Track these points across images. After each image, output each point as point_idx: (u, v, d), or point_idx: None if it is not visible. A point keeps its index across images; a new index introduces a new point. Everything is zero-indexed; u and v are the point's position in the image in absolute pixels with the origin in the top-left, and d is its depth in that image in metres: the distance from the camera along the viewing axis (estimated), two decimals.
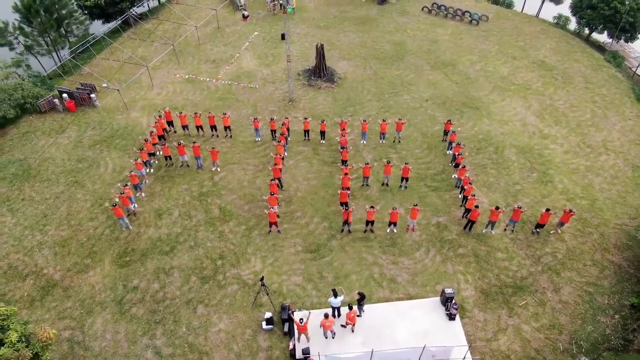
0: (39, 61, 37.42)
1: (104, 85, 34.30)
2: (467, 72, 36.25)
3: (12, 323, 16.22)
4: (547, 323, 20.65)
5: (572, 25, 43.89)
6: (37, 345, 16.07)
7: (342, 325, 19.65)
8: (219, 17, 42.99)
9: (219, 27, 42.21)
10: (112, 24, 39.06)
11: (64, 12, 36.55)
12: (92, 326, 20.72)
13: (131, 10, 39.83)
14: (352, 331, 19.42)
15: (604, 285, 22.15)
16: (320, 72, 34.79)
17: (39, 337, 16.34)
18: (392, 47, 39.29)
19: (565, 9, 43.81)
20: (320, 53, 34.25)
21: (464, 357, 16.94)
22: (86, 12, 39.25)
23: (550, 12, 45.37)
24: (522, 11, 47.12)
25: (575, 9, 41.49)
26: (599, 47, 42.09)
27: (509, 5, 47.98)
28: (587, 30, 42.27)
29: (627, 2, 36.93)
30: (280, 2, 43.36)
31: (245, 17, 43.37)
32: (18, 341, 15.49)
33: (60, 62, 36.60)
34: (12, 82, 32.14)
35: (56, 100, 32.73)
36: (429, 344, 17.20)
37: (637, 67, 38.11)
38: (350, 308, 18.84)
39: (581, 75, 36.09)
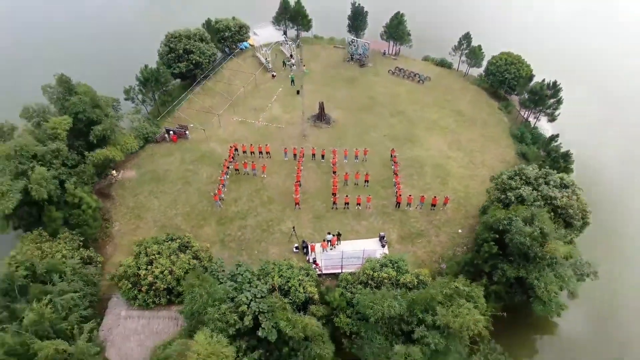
0: (146, 110, 60.41)
1: (191, 125, 57.38)
2: (411, 117, 59.32)
3: (192, 242, 39.13)
4: (430, 250, 43.49)
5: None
6: (204, 253, 38.90)
7: (331, 248, 42.49)
8: (241, 76, 65.98)
9: (256, 84, 65.34)
10: (193, 86, 62.23)
11: (163, 80, 59.49)
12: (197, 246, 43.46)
13: (202, 76, 63.03)
14: (335, 248, 42.25)
15: (464, 235, 44.92)
16: (321, 118, 57.86)
17: (203, 248, 39.16)
18: (367, 100, 62.40)
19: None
20: (321, 107, 57.41)
21: (384, 251, 39.65)
22: (173, 75, 62.32)
23: (479, 69, 67.88)
24: (457, 69, 69.93)
25: (487, 72, 64.59)
26: (505, 99, 64.77)
27: (450, 66, 70.96)
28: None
29: (512, 71, 59.97)
30: (290, 63, 66.78)
31: (273, 77, 66.59)
32: (197, 249, 38.38)
33: (160, 113, 59.60)
34: (138, 124, 55.04)
35: (166, 135, 55.80)
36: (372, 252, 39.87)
37: (519, 111, 61.04)
38: (337, 235, 41.86)
39: (481, 119, 59.23)
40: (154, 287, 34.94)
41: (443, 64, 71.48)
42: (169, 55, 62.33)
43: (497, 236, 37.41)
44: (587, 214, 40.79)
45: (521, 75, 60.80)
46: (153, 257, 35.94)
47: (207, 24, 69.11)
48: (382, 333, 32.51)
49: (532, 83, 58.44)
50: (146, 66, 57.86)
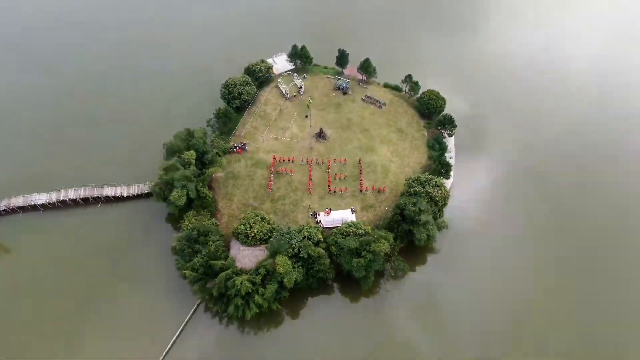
0: (218, 133, 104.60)
1: (247, 142, 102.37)
2: (372, 134, 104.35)
3: (265, 215, 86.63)
4: (375, 215, 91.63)
5: None
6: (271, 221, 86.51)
7: (327, 212, 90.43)
8: (272, 104, 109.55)
9: (281, 110, 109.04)
10: (244, 116, 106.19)
11: (229, 115, 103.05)
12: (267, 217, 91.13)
13: (248, 107, 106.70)
14: (328, 214, 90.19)
15: (391, 207, 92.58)
16: (321, 136, 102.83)
17: (270, 219, 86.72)
18: (346, 121, 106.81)
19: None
20: (321, 130, 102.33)
21: (353, 216, 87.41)
22: (232, 108, 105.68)
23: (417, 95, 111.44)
24: (404, 93, 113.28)
25: (419, 101, 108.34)
26: (429, 118, 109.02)
27: (400, 90, 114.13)
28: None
29: (432, 104, 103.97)
30: (301, 92, 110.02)
31: (299, 91, 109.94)
32: (268, 219, 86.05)
33: (228, 134, 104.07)
34: (218, 143, 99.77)
35: (234, 149, 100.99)
36: (346, 218, 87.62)
37: (436, 129, 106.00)
38: (329, 209, 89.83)
39: (411, 134, 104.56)
40: (254, 237, 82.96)
41: (396, 88, 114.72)
42: (229, 96, 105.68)
43: (400, 211, 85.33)
44: (446, 199, 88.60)
45: (437, 105, 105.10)
46: (252, 224, 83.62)
47: (248, 69, 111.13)
48: (349, 254, 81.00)
49: (441, 114, 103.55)
50: (219, 108, 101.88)
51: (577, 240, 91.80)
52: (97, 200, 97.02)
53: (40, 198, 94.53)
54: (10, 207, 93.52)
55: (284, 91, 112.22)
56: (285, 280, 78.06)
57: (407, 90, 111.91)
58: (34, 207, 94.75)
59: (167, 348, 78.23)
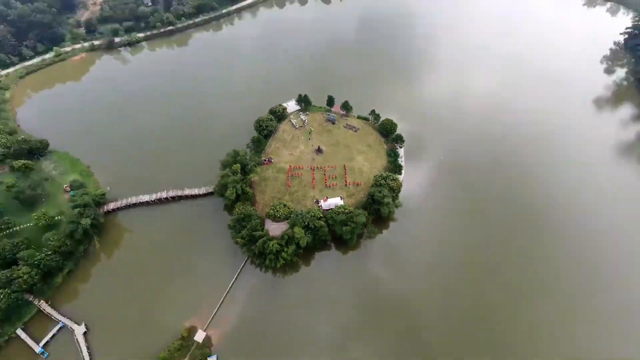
0: (254, 151, 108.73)
1: (273, 157, 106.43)
2: (351, 148, 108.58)
3: (286, 203, 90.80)
4: (355, 200, 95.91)
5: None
6: (290, 207, 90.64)
7: (325, 199, 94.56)
8: (287, 132, 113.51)
9: (293, 136, 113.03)
10: (270, 140, 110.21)
11: (262, 141, 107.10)
12: (287, 204, 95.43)
13: (272, 134, 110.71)
14: (326, 200, 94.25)
15: (365, 195, 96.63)
16: (319, 151, 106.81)
17: (290, 205, 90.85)
18: (335, 141, 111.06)
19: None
20: (318, 147, 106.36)
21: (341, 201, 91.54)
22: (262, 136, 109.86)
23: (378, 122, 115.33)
24: (370, 121, 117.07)
25: (381, 126, 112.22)
26: (387, 137, 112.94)
27: (368, 119, 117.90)
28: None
29: (388, 127, 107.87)
30: (305, 123, 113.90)
31: (303, 124, 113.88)
32: (289, 206, 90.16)
33: (260, 152, 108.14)
34: (254, 158, 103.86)
35: (264, 162, 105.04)
36: (337, 202, 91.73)
37: (392, 142, 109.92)
38: (326, 197, 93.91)
39: (376, 147, 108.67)
40: (279, 217, 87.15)
41: (365, 118, 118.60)
42: (259, 128, 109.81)
43: (371, 196, 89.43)
44: (400, 188, 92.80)
45: (392, 129, 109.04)
46: (278, 209, 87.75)
47: (271, 110, 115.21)
48: (340, 224, 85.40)
49: (395, 134, 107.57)
50: (254, 136, 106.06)
51: (484, 208, 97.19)
52: (180, 198, 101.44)
53: (144, 197, 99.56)
54: (128, 204, 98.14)
55: (294, 123, 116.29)
56: (300, 242, 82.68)
57: (372, 119, 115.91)
58: (141, 204, 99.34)
59: (229, 286, 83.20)
